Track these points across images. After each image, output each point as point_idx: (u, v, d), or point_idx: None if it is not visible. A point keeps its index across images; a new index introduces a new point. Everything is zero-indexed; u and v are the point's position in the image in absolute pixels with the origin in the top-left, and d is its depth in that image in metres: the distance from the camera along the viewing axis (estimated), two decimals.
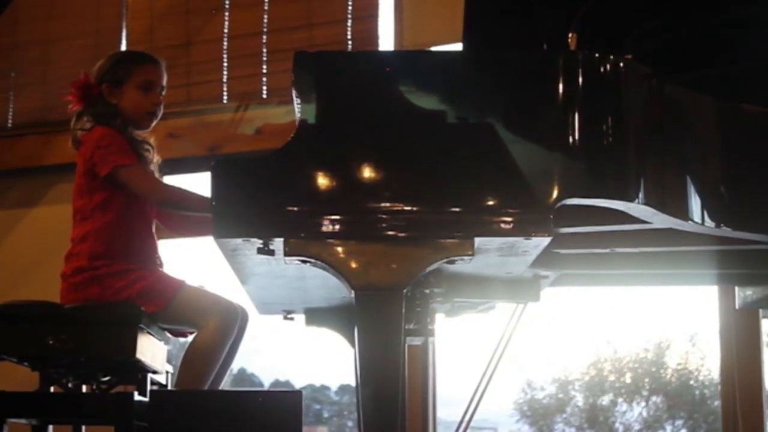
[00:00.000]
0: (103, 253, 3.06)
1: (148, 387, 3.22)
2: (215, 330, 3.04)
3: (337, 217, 2.19)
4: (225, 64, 4.90)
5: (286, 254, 2.20)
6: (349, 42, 4.71)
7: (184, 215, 3.29)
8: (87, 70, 3.25)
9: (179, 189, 3.12)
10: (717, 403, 4.82)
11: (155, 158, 3.24)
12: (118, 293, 3.00)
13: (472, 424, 2.98)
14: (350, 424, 6.65)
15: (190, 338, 3.14)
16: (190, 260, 4.66)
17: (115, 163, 3.03)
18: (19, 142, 5.16)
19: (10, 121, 5.24)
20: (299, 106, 2.30)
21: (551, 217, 2.18)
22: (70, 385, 3.06)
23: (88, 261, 3.05)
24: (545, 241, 2.22)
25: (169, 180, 4.74)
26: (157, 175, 3.28)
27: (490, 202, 2.19)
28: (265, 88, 4.80)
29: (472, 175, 2.21)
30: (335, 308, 2.99)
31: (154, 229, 3.26)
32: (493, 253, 2.31)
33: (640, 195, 2.25)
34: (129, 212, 3.13)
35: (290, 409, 2.75)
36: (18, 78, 5.29)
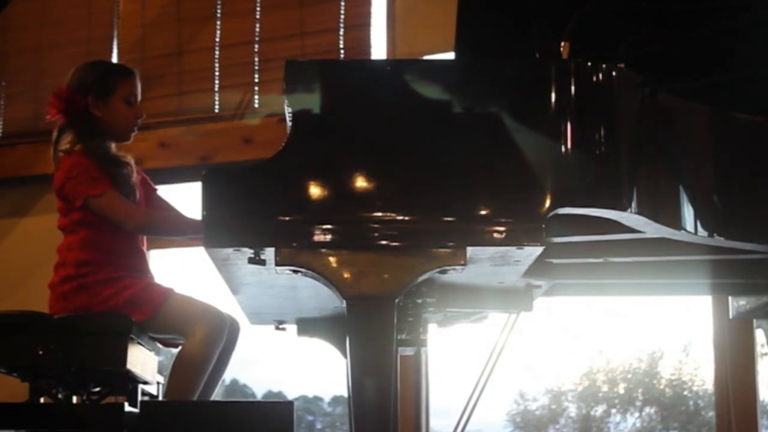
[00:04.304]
0: (90, 260, 3.04)
1: (139, 398, 3.20)
2: (203, 339, 3.02)
3: (329, 226, 2.18)
4: (217, 73, 4.89)
5: (277, 264, 2.19)
6: (342, 51, 4.71)
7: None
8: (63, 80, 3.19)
9: (155, 213, 3.12)
10: (711, 413, 4.80)
11: (134, 175, 3.19)
12: (105, 301, 2.99)
13: None
14: None
15: None
16: (181, 270, 4.64)
17: (87, 194, 3.03)
18: (9, 151, 5.15)
19: (0, 130, 5.22)
20: (290, 114, 2.29)
21: (544, 226, 2.17)
22: (60, 395, 3.04)
23: (74, 268, 3.04)
24: (537, 250, 2.21)
25: (162, 190, 4.74)
26: (137, 192, 3.17)
27: (483, 212, 2.18)
28: (257, 97, 4.79)
29: (464, 184, 2.20)
30: (327, 318, 2.98)
31: (144, 238, 3.24)
32: (485, 263, 2.30)
33: (633, 204, 2.24)
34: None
35: (282, 419, 2.74)
36: (9, 87, 5.29)
